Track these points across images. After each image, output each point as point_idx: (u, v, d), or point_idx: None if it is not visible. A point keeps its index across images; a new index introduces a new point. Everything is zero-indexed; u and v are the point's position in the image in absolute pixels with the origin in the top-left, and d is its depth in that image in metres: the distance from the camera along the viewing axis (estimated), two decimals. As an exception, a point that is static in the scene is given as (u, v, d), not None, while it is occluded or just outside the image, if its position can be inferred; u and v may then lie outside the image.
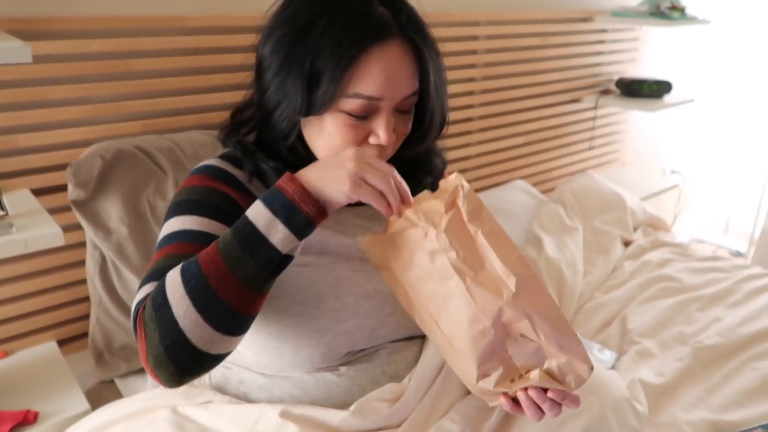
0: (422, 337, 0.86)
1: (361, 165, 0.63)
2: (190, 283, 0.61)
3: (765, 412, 1.13)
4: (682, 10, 2.09)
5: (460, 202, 0.62)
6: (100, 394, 1.13)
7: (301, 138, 0.80)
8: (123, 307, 1.15)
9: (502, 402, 0.65)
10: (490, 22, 1.78)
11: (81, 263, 1.19)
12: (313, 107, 0.74)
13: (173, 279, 0.62)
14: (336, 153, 0.72)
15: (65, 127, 1.13)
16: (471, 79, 1.80)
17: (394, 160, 0.85)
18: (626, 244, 1.84)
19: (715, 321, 1.41)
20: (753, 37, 2.81)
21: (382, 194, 0.64)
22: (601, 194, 1.93)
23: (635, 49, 2.36)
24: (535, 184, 2.10)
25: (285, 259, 0.64)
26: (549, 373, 0.62)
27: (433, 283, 0.62)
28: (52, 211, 1.12)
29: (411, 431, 0.74)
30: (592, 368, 0.63)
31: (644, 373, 1.22)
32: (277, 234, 0.62)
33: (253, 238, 0.62)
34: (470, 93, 1.81)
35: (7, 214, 0.95)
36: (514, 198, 1.87)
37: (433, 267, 0.61)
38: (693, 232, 3.19)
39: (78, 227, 1.14)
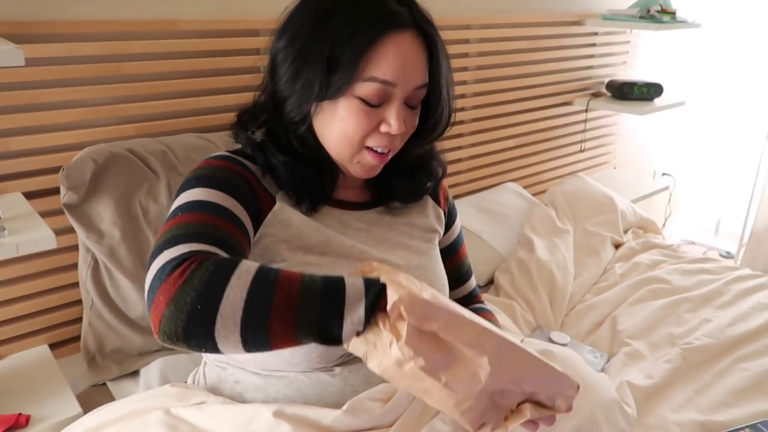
0: None
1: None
2: (260, 284, 0.60)
3: (753, 412, 1.14)
4: (672, 13, 2.11)
5: (405, 314, 0.58)
6: (92, 398, 1.13)
7: (310, 130, 0.83)
8: (115, 310, 1.15)
9: None
10: (482, 26, 1.79)
11: (73, 266, 1.19)
12: (330, 91, 0.77)
13: (248, 268, 0.61)
14: (348, 139, 0.78)
15: (58, 130, 1.14)
16: (463, 82, 1.81)
17: (398, 161, 0.88)
18: (617, 246, 1.86)
19: (705, 322, 1.43)
20: (743, 41, 2.84)
21: None
22: (592, 196, 1.94)
23: (626, 52, 2.38)
24: (526, 187, 2.12)
25: (337, 341, 0.61)
26: (539, 404, 0.64)
27: (408, 383, 0.60)
28: (45, 215, 1.12)
29: (403, 431, 0.75)
30: (578, 387, 0.65)
31: (633, 375, 1.23)
32: (355, 314, 0.60)
33: (336, 297, 0.61)
34: (462, 96, 1.82)
35: (-1, 217, 0.95)
36: (506, 200, 1.88)
37: (403, 371, 0.58)
38: (684, 234, 3.22)
39: (70, 230, 1.14)
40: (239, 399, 0.82)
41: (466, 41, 1.77)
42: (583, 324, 1.48)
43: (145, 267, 0.66)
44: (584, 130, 2.32)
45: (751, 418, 1.13)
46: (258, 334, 0.59)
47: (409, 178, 0.91)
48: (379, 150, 0.80)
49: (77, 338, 1.22)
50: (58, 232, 1.04)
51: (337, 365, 0.80)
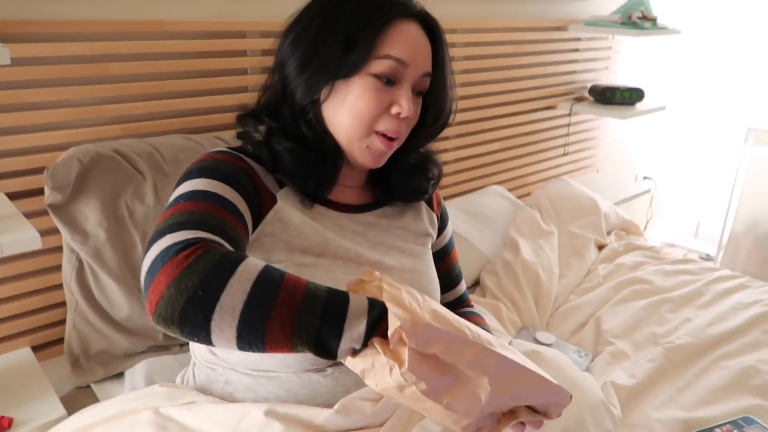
0: None
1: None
2: (264, 280, 0.59)
3: (733, 408, 1.16)
4: (653, 20, 2.15)
5: (406, 339, 0.58)
6: (77, 400, 1.11)
7: (318, 118, 0.85)
8: (100, 311, 1.14)
9: None
10: (468, 30, 1.81)
11: (57, 268, 1.18)
12: (347, 68, 0.80)
13: (255, 263, 0.61)
14: (359, 119, 0.81)
15: (43, 130, 1.13)
16: (449, 86, 1.82)
17: (399, 161, 0.91)
18: (600, 247, 1.88)
19: (686, 322, 1.46)
20: (722, 47, 2.90)
21: None
22: (575, 199, 1.97)
23: (608, 57, 2.42)
24: (511, 189, 2.14)
25: (331, 355, 0.61)
26: (531, 408, 0.66)
27: (408, 402, 0.60)
28: (28, 215, 1.11)
29: (394, 430, 0.75)
30: (571, 397, 0.66)
31: (617, 375, 1.25)
32: (355, 329, 0.60)
33: (338, 309, 0.60)
34: (448, 99, 1.84)
35: (-18, 217, 0.94)
36: (491, 203, 1.90)
37: (403, 394, 0.59)
38: (664, 237, 3.27)
39: (54, 231, 1.13)
40: (229, 399, 0.81)
41: (452, 45, 1.79)
42: (567, 324, 1.49)
43: (144, 251, 0.65)
44: (568, 134, 2.35)
45: (731, 414, 1.15)
46: (255, 332, 0.58)
47: (410, 178, 0.94)
48: (388, 135, 0.82)
49: (61, 340, 1.21)
50: (42, 233, 1.03)
51: (328, 365, 0.80)
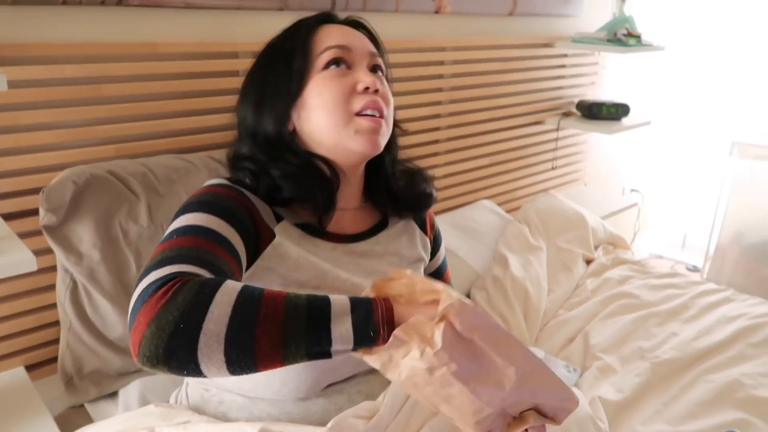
0: None
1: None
2: (244, 300, 0.59)
3: (719, 422, 1.19)
4: (638, 37, 2.19)
5: (453, 319, 0.60)
6: (70, 419, 1.12)
7: (296, 141, 0.89)
8: (94, 331, 1.14)
9: None
10: (456, 48, 1.84)
11: (50, 288, 1.18)
12: (295, 82, 0.85)
13: (233, 287, 0.61)
14: (332, 109, 0.83)
15: (37, 151, 1.14)
16: (438, 103, 1.85)
17: (389, 175, 0.96)
18: (588, 262, 1.91)
19: (672, 336, 1.48)
20: (704, 63, 2.95)
21: None
22: (563, 214, 2.00)
23: (594, 73, 2.46)
24: (500, 204, 2.16)
25: (325, 355, 0.61)
26: (540, 412, 0.67)
27: (432, 389, 0.61)
28: (22, 236, 1.12)
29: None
30: (578, 403, 0.68)
31: (605, 390, 1.27)
32: (342, 326, 0.61)
33: (321, 312, 0.61)
34: (437, 116, 1.87)
35: (-23, 240, 0.95)
36: (480, 217, 1.92)
37: (432, 378, 0.60)
38: (652, 248, 3.31)
39: (47, 251, 1.13)
40: (223, 418, 0.83)
41: (441, 63, 1.82)
42: (556, 339, 1.51)
43: (132, 289, 0.66)
44: (556, 149, 2.38)
45: (716, 428, 1.17)
46: (243, 353, 0.58)
47: (411, 186, 0.98)
48: (369, 112, 0.84)
49: (54, 360, 1.21)
50: (36, 254, 1.03)
51: (322, 389, 0.81)
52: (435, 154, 1.91)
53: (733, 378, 1.30)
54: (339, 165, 0.88)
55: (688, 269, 3.14)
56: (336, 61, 0.85)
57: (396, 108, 0.94)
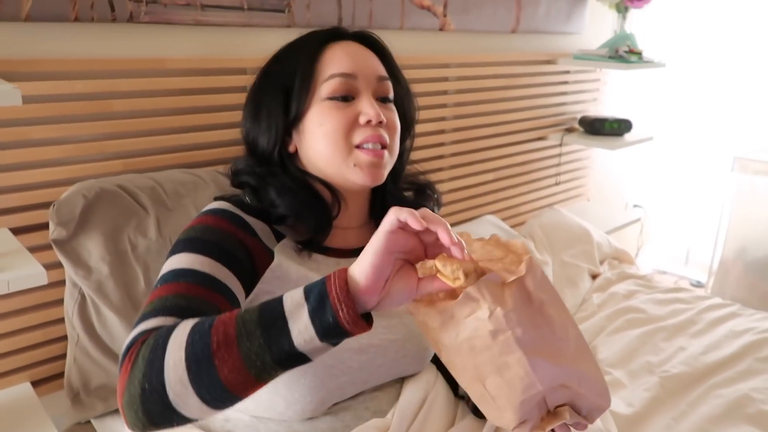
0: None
1: (401, 210, 0.57)
2: (194, 336, 0.57)
3: (729, 438, 1.18)
4: (639, 53, 2.21)
5: (529, 277, 0.59)
6: (76, 436, 1.11)
7: (295, 163, 0.88)
8: (102, 346, 1.14)
9: None
10: (460, 64, 1.86)
11: (57, 302, 1.18)
12: (294, 107, 0.83)
13: (184, 327, 0.59)
14: (332, 140, 0.81)
15: (46, 166, 1.14)
16: (442, 118, 1.87)
17: (396, 183, 0.93)
18: (593, 276, 1.91)
19: (680, 350, 1.48)
20: (705, 79, 2.98)
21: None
22: (568, 229, 2.00)
23: (596, 89, 2.48)
24: (504, 219, 2.16)
25: (297, 357, 0.57)
26: (575, 409, 0.66)
27: (490, 355, 0.60)
28: (30, 250, 1.12)
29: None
30: (610, 402, 0.67)
31: (615, 404, 1.26)
32: (299, 321, 0.56)
33: (274, 314, 0.57)
34: (442, 131, 1.88)
35: (-13, 254, 0.95)
36: (485, 232, 1.92)
37: (494, 342, 0.58)
38: (655, 264, 3.30)
39: (55, 266, 1.13)
40: (229, 435, 0.82)
41: (445, 79, 1.83)
42: (563, 354, 1.51)
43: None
44: (559, 164, 2.39)
45: (727, 443, 1.16)
46: (213, 388, 0.56)
47: (414, 206, 0.95)
48: (370, 145, 0.81)
49: (60, 375, 1.20)
50: (44, 268, 1.04)
51: (329, 407, 0.81)
52: (439, 170, 1.92)
53: (743, 393, 1.29)
54: (340, 190, 0.87)
55: (692, 284, 3.13)
56: (342, 95, 0.82)
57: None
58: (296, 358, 0.57)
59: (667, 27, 2.85)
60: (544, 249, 1.89)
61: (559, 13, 2.17)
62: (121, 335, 1.13)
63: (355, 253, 0.90)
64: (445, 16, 1.77)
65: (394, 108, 0.88)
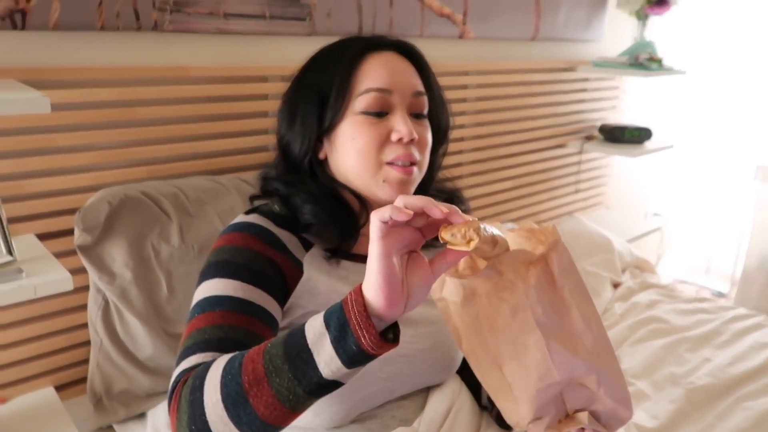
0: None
1: (378, 211, 0.55)
2: (227, 377, 0.59)
3: (758, 451, 1.15)
4: (659, 61, 2.20)
5: (554, 257, 0.58)
6: (99, 441, 1.12)
7: (325, 172, 0.87)
8: (124, 351, 1.14)
9: None
10: (480, 72, 1.86)
11: (81, 308, 1.19)
12: (328, 117, 0.82)
13: (216, 367, 0.61)
14: (363, 156, 0.80)
15: (72, 172, 1.15)
16: (461, 126, 1.86)
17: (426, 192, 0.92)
18: (615, 285, 1.89)
19: (705, 362, 1.45)
20: (727, 86, 2.94)
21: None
22: (588, 237, 1.98)
23: (616, 97, 2.46)
24: (523, 227, 2.15)
25: (328, 385, 0.57)
26: (594, 415, 0.65)
27: (510, 335, 0.59)
28: (56, 256, 1.13)
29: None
30: (632, 414, 0.66)
31: (639, 417, 1.24)
32: (323, 352, 0.56)
33: (299, 348, 0.57)
34: (461, 139, 1.87)
35: (15, 259, 0.96)
36: (505, 241, 1.91)
37: (513, 320, 0.57)
38: (675, 274, 3.26)
39: (79, 271, 1.14)
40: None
41: (465, 87, 1.83)
42: (585, 364, 1.49)
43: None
44: (578, 172, 2.37)
45: (756, 457, 1.14)
46: (254, 425, 0.58)
47: None
48: (399, 162, 0.81)
49: (83, 380, 1.21)
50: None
51: (351, 421, 0.80)
52: (458, 177, 1.91)
53: (771, 405, 1.26)
54: (368, 200, 0.87)
55: (713, 294, 3.08)
56: (376, 111, 0.81)
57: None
58: (328, 386, 0.58)
59: (688, 34, 2.83)
60: (564, 257, 1.87)
61: (579, 21, 2.16)
62: (144, 341, 1.14)
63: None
64: (464, 23, 1.77)
65: (427, 123, 0.87)
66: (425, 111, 0.86)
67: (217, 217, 1.20)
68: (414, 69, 0.86)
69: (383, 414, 0.82)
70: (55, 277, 0.93)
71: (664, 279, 3.11)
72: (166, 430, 1.07)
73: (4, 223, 0.95)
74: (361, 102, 0.81)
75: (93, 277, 1.11)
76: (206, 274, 0.77)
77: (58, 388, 1.20)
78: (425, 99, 0.86)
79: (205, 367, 0.62)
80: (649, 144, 2.30)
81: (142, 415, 1.15)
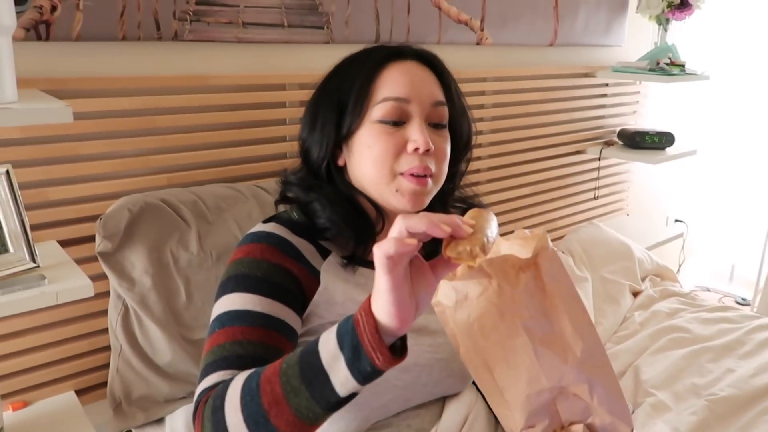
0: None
1: (381, 245, 0.54)
2: (246, 398, 0.61)
3: (782, 465, 1.13)
4: (681, 65, 2.17)
5: (544, 262, 0.59)
6: (118, 445, 1.13)
7: (343, 178, 0.88)
8: (143, 357, 1.16)
9: None
10: (497, 78, 1.85)
11: (101, 313, 1.21)
12: (346, 124, 0.83)
13: (234, 387, 0.62)
14: (378, 165, 0.80)
15: (94, 180, 1.17)
16: (479, 132, 1.84)
17: (444, 203, 0.92)
18: (635, 294, 1.86)
19: (728, 372, 1.42)
20: (752, 91, 2.90)
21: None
22: (608, 244, 1.96)
23: (636, 102, 2.44)
24: (542, 234, 2.13)
25: (345, 400, 0.60)
26: (591, 429, 0.64)
27: (498, 337, 0.60)
28: (77, 262, 1.15)
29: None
30: (632, 430, 0.65)
31: (659, 428, 1.22)
32: (339, 373, 0.57)
33: (314, 369, 0.58)
34: (479, 145, 1.86)
35: (38, 266, 0.98)
36: (523, 247, 1.89)
37: (502, 323, 0.58)
38: (698, 280, 3.20)
39: (100, 277, 1.16)
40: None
41: (482, 93, 1.83)
42: (604, 373, 1.47)
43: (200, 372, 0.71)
44: (597, 178, 2.35)
45: (781, 472, 1.11)
46: None
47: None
48: (414, 173, 0.80)
49: (103, 384, 1.23)
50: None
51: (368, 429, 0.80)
52: (476, 184, 1.90)
53: (797, 418, 1.24)
54: (384, 208, 0.87)
55: (737, 302, 3.03)
56: (393, 120, 0.81)
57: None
58: (345, 401, 0.60)
59: (710, 38, 2.79)
60: (583, 265, 1.85)
61: (598, 26, 2.15)
62: (162, 347, 1.15)
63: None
64: (482, 30, 1.77)
65: (446, 134, 0.86)
66: (445, 121, 0.86)
67: (235, 224, 1.21)
68: (435, 78, 0.86)
69: (399, 423, 0.82)
70: (77, 284, 0.94)
71: (686, 286, 3.07)
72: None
73: (28, 230, 0.96)
74: (378, 110, 0.81)
75: (113, 283, 1.13)
76: (226, 287, 0.78)
77: (79, 393, 1.22)
78: (445, 109, 0.85)
79: (224, 386, 0.63)
80: (671, 150, 2.27)
81: (160, 420, 1.16)
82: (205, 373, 0.69)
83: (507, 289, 0.58)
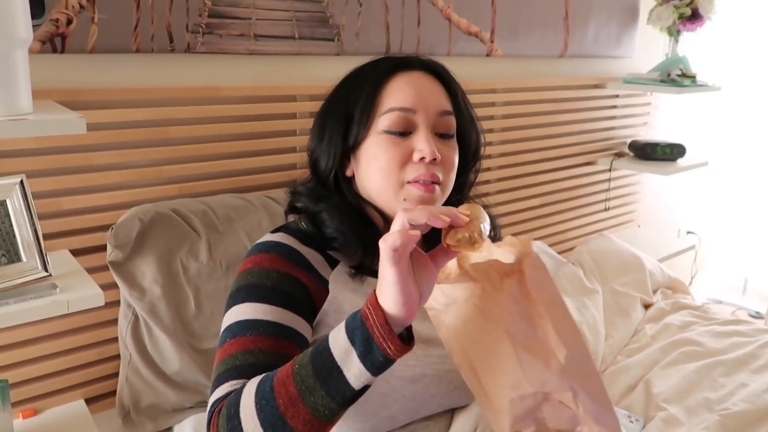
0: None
1: (387, 239, 0.57)
2: (261, 402, 0.61)
3: (797, 483, 1.11)
4: (693, 77, 2.16)
5: (527, 268, 0.60)
6: (126, 454, 1.13)
7: (351, 188, 0.88)
8: (153, 366, 1.16)
9: None
10: (507, 90, 1.85)
11: (111, 322, 1.22)
12: (353, 134, 0.84)
13: (248, 393, 0.63)
14: (384, 175, 0.81)
15: (106, 190, 1.19)
16: (489, 143, 1.84)
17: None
18: (646, 306, 1.84)
19: (741, 387, 1.40)
20: (762, 102, 2.87)
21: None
22: (618, 256, 1.94)
23: (647, 113, 2.43)
24: (552, 245, 2.12)
25: (359, 393, 0.61)
26: None
27: (483, 341, 0.61)
28: (88, 271, 1.16)
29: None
30: None
31: (671, 441, 1.21)
32: (352, 367, 0.60)
33: (328, 366, 0.60)
34: (488, 156, 1.86)
35: (50, 275, 0.98)
36: (533, 259, 1.88)
37: (486, 327, 0.60)
38: (710, 293, 3.17)
39: (110, 287, 1.17)
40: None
41: (492, 104, 1.83)
42: (616, 387, 1.45)
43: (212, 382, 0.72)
44: (608, 189, 2.34)
45: (796, 489, 1.09)
46: None
47: None
48: (421, 179, 0.80)
49: (113, 393, 1.23)
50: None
51: None
52: (486, 195, 1.89)
53: (812, 435, 1.21)
54: (392, 218, 0.87)
55: (750, 315, 2.99)
56: (399, 130, 0.81)
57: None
58: (359, 394, 0.62)
59: (721, 49, 2.78)
60: (593, 277, 1.84)
61: (609, 38, 2.15)
62: (171, 356, 1.16)
63: None
64: (492, 41, 1.78)
65: (453, 144, 0.86)
66: (452, 131, 0.86)
67: (245, 234, 1.21)
68: (442, 88, 0.86)
69: (415, 425, 0.82)
70: (88, 293, 0.95)
71: (699, 299, 3.03)
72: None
73: (41, 239, 0.97)
74: (384, 121, 0.82)
75: (123, 292, 1.14)
76: (236, 297, 0.78)
77: (88, 401, 1.22)
78: (452, 119, 0.85)
79: (237, 394, 0.64)
80: (682, 161, 2.26)
81: (168, 430, 1.16)
82: (218, 383, 0.70)
83: (491, 294, 0.60)
